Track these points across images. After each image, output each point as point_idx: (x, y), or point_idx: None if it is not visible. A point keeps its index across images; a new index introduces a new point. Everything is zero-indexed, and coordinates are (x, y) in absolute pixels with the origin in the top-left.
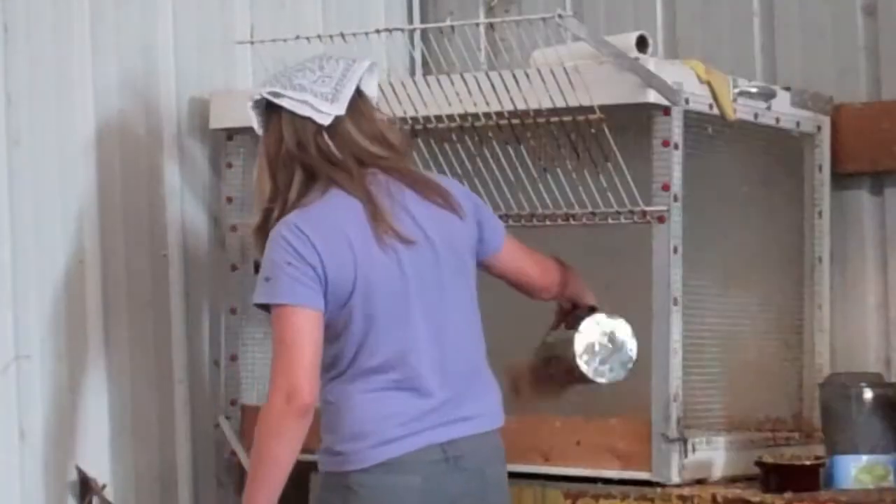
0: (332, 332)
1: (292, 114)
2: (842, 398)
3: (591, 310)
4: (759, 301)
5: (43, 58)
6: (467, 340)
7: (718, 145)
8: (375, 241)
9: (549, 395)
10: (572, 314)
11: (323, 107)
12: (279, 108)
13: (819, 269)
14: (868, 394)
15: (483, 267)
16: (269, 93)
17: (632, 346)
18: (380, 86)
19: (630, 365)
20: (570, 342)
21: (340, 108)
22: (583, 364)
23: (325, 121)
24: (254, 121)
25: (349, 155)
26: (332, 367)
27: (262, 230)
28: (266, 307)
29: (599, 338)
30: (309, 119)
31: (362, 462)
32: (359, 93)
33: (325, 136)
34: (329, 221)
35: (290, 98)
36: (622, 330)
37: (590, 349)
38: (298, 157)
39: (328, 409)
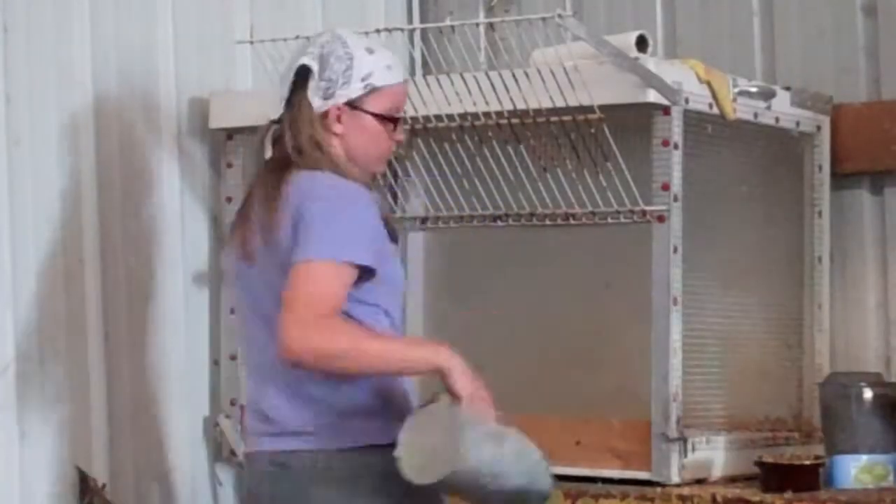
0: None
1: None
2: (841, 398)
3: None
4: (759, 301)
5: (43, 58)
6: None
7: (718, 145)
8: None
9: None
10: None
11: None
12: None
13: (819, 269)
14: (868, 393)
15: None
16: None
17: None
18: None
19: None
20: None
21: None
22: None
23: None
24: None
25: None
26: None
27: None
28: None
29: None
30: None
31: None
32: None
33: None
34: None
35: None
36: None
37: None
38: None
39: None
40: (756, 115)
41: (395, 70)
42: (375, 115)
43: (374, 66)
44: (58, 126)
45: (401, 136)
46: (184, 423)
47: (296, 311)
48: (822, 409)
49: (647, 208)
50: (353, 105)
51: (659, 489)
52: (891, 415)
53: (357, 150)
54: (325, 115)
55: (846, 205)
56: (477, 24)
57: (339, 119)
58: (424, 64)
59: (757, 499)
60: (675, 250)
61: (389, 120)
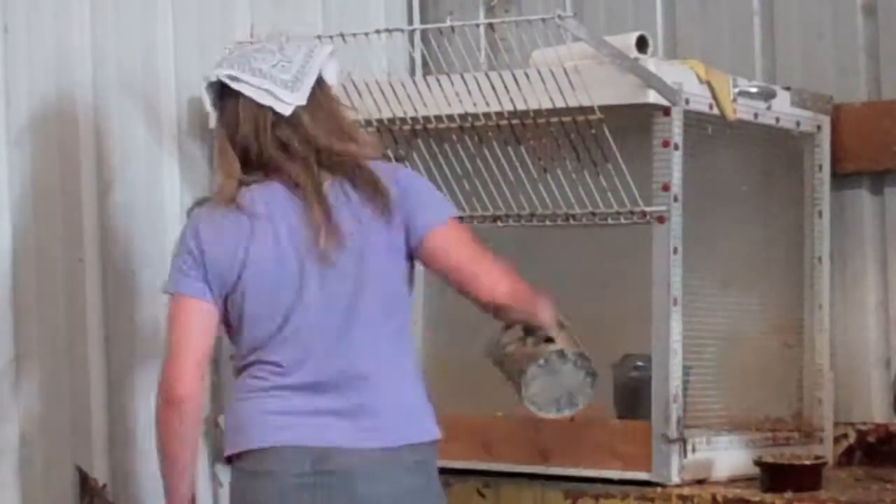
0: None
1: (251, 100)
2: None
3: (548, 340)
4: (759, 301)
5: (43, 58)
6: (374, 354)
7: (718, 145)
8: (298, 246)
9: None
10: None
11: (284, 96)
12: (236, 92)
13: (819, 269)
14: None
15: (418, 259)
16: (227, 76)
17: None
18: (379, 85)
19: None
20: (520, 366)
21: (301, 98)
22: (528, 404)
23: (286, 111)
24: (206, 101)
25: (309, 148)
26: None
27: None
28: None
29: (549, 379)
30: (269, 108)
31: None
32: (319, 82)
33: (284, 127)
34: (245, 209)
35: (248, 84)
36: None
37: (539, 388)
38: (253, 145)
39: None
40: (756, 116)
41: None
42: None
43: None
44: (58, 126)
45: None
46: None
47: (490, 260)
48: None
49: (647, 209)
50: None
51: (659, 489)
52: None
53: None
54: None
55: (846, 205)
56: (477, 25)
57: None
58: (424, 64)
59: (757, 499)
60: (675, 251)
61: None
